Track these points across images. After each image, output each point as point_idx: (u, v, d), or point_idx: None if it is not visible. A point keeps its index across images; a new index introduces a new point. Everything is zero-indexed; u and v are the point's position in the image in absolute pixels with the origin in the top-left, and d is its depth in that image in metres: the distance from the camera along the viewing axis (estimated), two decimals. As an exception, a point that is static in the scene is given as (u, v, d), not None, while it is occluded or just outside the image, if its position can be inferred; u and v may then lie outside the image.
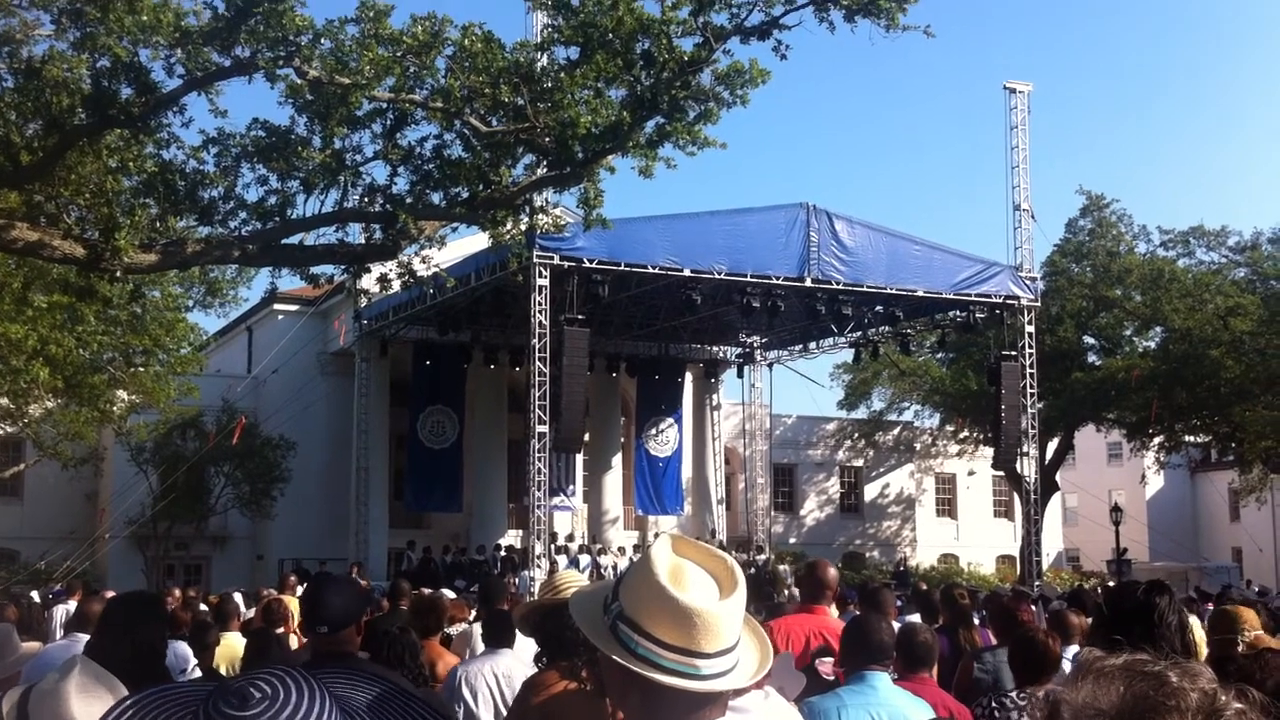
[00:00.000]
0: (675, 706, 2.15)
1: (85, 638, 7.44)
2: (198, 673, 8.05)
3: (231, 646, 10.04)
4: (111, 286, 15.45)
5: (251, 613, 14.28)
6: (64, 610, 17.06)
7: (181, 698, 1.88)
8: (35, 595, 19.89)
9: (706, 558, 2.27)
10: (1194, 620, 4.93)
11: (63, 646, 8.16)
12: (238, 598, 16.42)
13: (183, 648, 8.45)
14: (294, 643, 11.57)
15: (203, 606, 15.64)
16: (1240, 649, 5.65)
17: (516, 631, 7.78)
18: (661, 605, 2.16)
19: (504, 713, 7.05)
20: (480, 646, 8.48)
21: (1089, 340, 47.66)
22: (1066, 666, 6.58)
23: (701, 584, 2.20)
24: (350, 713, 1.87)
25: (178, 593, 19.08)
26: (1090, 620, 5.98)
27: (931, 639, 6.39)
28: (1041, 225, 47.80)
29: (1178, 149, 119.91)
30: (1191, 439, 48.84)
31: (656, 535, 38.92)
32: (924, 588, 19.23)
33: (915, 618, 11.45)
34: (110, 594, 17.63)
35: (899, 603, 14.21)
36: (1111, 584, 8.60)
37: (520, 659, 7.93)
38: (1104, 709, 1.31)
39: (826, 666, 5.87)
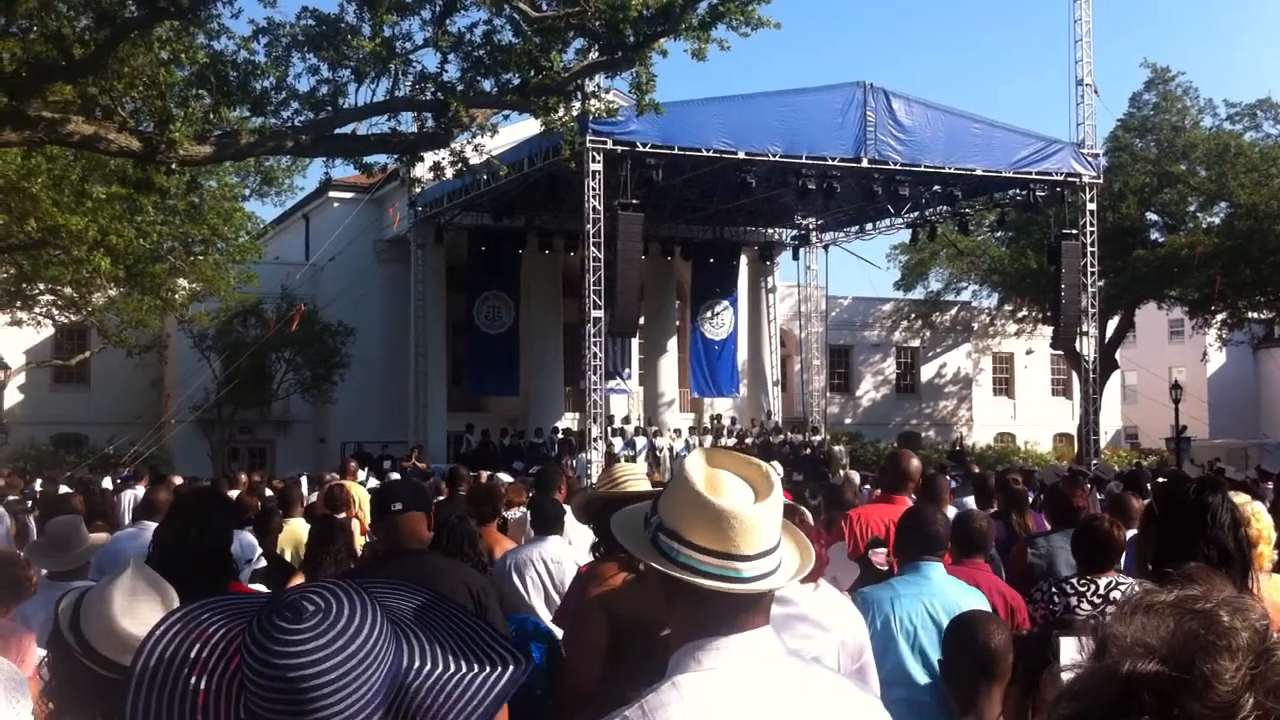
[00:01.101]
0: (720, 610, 2.20)
1: (153, 525, 7.65)
2: (263, 562, 8.23)
3: (295, 532, 10.26)
4: (168, 178, 15.56)
5: (314, 497, 14.55)
6: (132, 495, 17.43)
7: (233, 609, 1.91)
8: (107, 483, 20.33)
9: (741, 465, 2.31)
10: (1258, 507, 4.91)
11: (131, 535, 8.39)
12: (303, 483, 16.73)
13: (247, 538, 8.64)
14: (356, 527, 11.82)
15: (268, 492, 15.93)
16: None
17: (564, 518, 7.92)
18: (699, 511, 2.21)
19: (554, 597, 7.19)
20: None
21: (1152, 217, 46.79)
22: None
23: (737, 489, 2.25)
24: (399, 623, 1.90)
25: (244, 478, 19.43)
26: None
27: (987, 526, 6.40)
28: (1105, 102, 46.76)
29: (1245, 19, 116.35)
30: (1255, 315, 48.10)
31: (713, 417, 39.09)
32: (976, 470, 19.19)
33: (970, 500, 11.50)
34: (178, 480, 18.00)
35: (954, 484, 14.23)
36: (1162, 480, 8.55)
37: (568, 544, 8.07)
38: (1154, 646, 1.30)
39: (880, 557, 5.89)
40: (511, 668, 1.93)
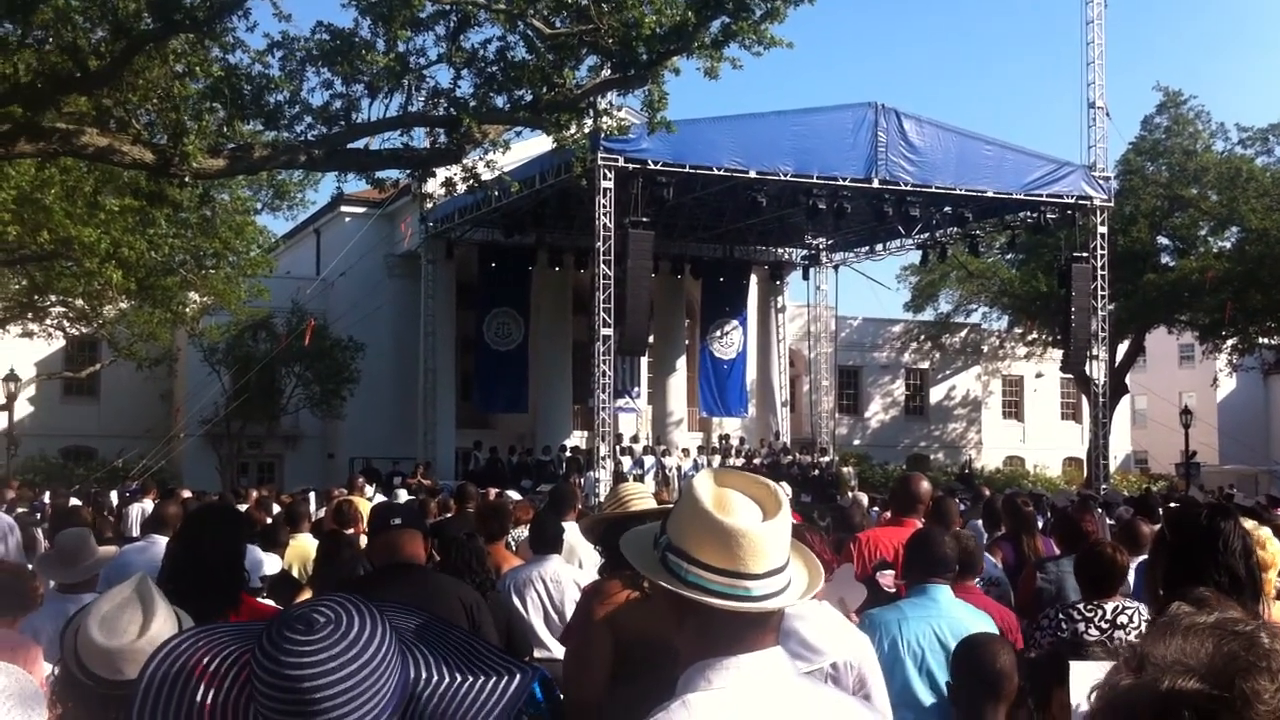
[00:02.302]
0: (729, 629, 2.20)
1: (162, 539, 7.65)
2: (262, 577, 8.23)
3: (304, 547, 10.26)
4: (180, 191, 15.59)
5: (322, 513, 14.56)
6: (139, 509, 17.44)
7: (247, 631, 1.94)
8: (114, 496, 20.35)
9: (749, 484, 2.31)
10: (1266, 532, 4.95)
11: (139, 548, 8.38)
12: (310, 498, 16.73)
13: (255, 553, 8.63)
14: (364, 543, 11.80)
15: (275, 508, 15.96)
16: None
17: (564, 537, 7.90)
18: (707, 530, 2.20)
19: (553, 616, 7.17)
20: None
21: (1163, 241, 46.76)
22: (1132, 577, 6.57)
23: (745, 508, 2.24)
24: (405, 639, 1.93)
25: (254, 493, 19.45)
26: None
27: (951, 550, 6.35)
28: (1117, 125, 46.73)
29: (1258, 44, 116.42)
30: (1265, 341, 47.97)
31: (721, 437, 39.02)
32: (986, 493, 19.14)
33: (979, 523, 11.48)
34: (186, 494, 18.00)
35: (963, 507, 14.19)
36: (1174, 505, 8.66)
37: (579, 565, 8.04)
38: (1192, 666, 1.34)
39: (888, 579, 5.89)
40: (519, 676, 1.95)
